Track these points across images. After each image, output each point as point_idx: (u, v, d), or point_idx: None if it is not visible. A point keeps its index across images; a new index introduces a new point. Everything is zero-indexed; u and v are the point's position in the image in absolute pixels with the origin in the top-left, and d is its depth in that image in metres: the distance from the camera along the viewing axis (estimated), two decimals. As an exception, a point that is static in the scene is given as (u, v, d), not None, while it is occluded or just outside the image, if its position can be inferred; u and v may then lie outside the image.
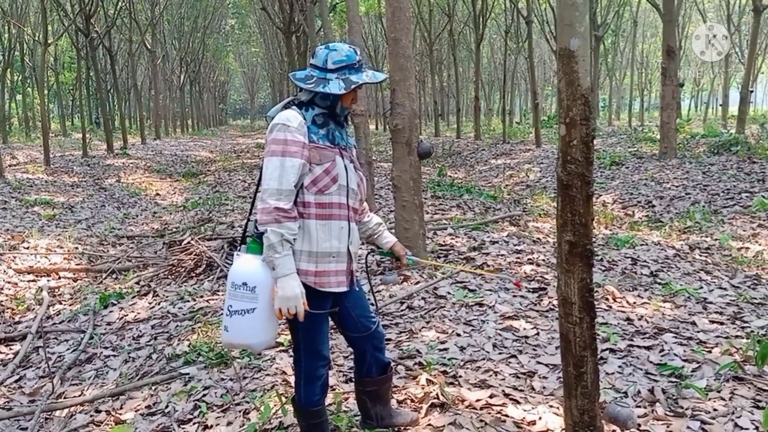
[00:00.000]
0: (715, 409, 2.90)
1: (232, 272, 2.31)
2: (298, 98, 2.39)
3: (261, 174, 2.31)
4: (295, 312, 2.25)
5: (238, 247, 2.42)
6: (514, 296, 4.60)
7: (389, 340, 3.88)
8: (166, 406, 3.35)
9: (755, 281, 5.23)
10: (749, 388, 3.11)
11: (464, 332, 3.91)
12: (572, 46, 2.17)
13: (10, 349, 4.78)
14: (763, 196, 8.37)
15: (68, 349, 4.64)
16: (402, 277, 5.12)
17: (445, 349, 3.65)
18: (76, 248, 7.60)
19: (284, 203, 2.23)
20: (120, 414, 3.42)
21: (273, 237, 2.21)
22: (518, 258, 5.64)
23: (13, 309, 5.64)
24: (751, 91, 16.33)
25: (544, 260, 5.58)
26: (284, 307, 2.24)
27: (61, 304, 5.75)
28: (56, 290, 6.14)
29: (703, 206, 8.57)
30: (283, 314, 2.25)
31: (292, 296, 2.24)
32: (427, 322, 4.13)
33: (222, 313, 2.38)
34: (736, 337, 3.81)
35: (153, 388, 3.63)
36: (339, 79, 2.34)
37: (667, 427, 2.75)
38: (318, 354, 2.46)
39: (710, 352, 3.57)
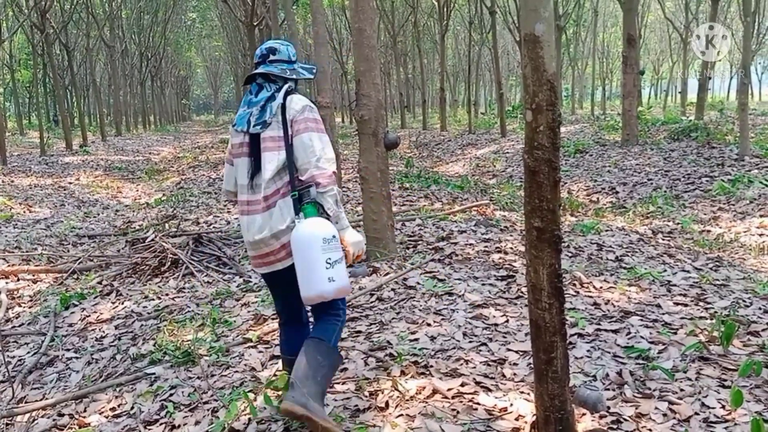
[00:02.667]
0: (682, 390, 2.94)
1: (313, 232, 2.50)
2: (291, 86, 2.76)
3: (292, 147, 2.62)
4: (360, 254, 2.66)
5: (297, 215, 2.59)
6: (483, 284, 4.61)
7: (359, 332, 3.85)
8: (132, 408, 3.27)
9: (717, 263, 5.34)
10: (714, 367, 3.16)
11: (434, 322, 3.91)
12: (537, 31, 2.16)
13: (-33, 354, 4.61)
14: (723, 180, 8.56)
15: (28, 352, 4.49)
16: (371, 269, 5.09)
17: (416, 340, 3.63)
18: (35, 249, 7.38)
19: (335, 169, 2.61)
20: (84, 417, 3.33)
21: (337, 196, 2.58)
22: (486, 246, 5.66)
23: (-31, 313, 5.45)
24: (709, 78, 16.67)
25: (512, 248, 5.61)
26: (357, 250, 2.64)
27: (20, 306, 5.57)
28: (15, 292, 5.95)
29: (665, 191, 8.73)
30: (353, 257, 2.62)
31: (361, 240, 2.68)
32: (397, 313, 4.12)
33: (317, 272, 2.50)
34: (701, 318, 3.87)
35: (118, 389, 3.54)
36: (299, 68, 2.83)
37: (636, 408, 2.78)
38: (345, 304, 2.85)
39: (675, 333, 3.62)
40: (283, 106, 2.66)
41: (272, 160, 2.64)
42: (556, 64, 2.26)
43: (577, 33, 30.62)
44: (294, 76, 2.77)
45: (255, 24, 17.15)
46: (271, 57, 2.77)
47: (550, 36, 2.18)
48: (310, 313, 2.94)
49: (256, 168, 2.69)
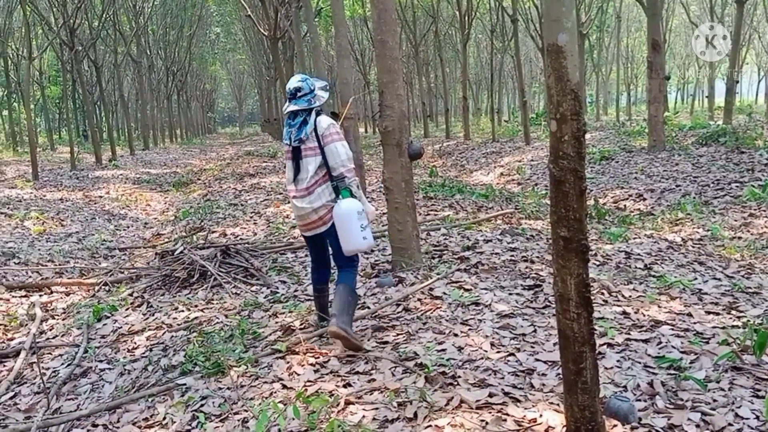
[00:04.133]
0: (715, 400, 2.90)
1: (351, 208, 3.73)
2: (319, 109, 3.91)
3: (324, 155, 3.81)
4: (373, 219, 4.12)
5: (337, 197, 3.83)
6: (510, 294, 4.59)
7: (386, 342, 3.87)
8: (164, 418, 3.32)
9: (749, 270, 5.25)
10: (748, 377, 3.11)
11: (461, 332, 3.90)
12: (560, 42, 2.16)
13: (4, 366, 4.72)
14: (753, 186, 8.41)
15: (62, 363, 4.59)
16: (397, 279, 5.10)
17: (443, 350, 3.63)
18: (68, 262, 7.54)
19: (353, 164, 3.87)
20: (117, 428, 3.39)
21: (357, 183, 3.83)
22: (512, 255, 5.64)
23: (5, 326, 5.58)
24: (737, 82, 16.43)
25: (538, 257, 5.58)
26: (372, 217, 3.96)
27: (53, 318, 5.69)
28: (48, 305, 6.09)
29: (694, 198, 8.61)
30: (370, 221, 3.89)
31: (374, 211, 4.15)
32: (424, 323, 4.12)
33: (355, 234, 3.75)
34: (733, 327, 3.81)
35: (150, 400, 3.59)
36: (319, 93, 3.92)
37: (668, 419, 2.74)
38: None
39: (707, 342, 3.57)
40: (315, 126, 3.84)
41: (311, 162, 3.84)
42: (579, 71, 2.26)
43: (600, 39, 30.40)
44: (317, 103, 3.88)
45: (278, 37, 17.37)
46: (299, 95, 3.86)
47: (573, 46, 2.18)
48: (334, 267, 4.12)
49: (297, 169, 3.91)
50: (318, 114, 3.87)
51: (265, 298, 5.24)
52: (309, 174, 3.83)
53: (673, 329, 3.81)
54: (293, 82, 3.88)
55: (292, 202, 4.01)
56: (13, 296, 6.32)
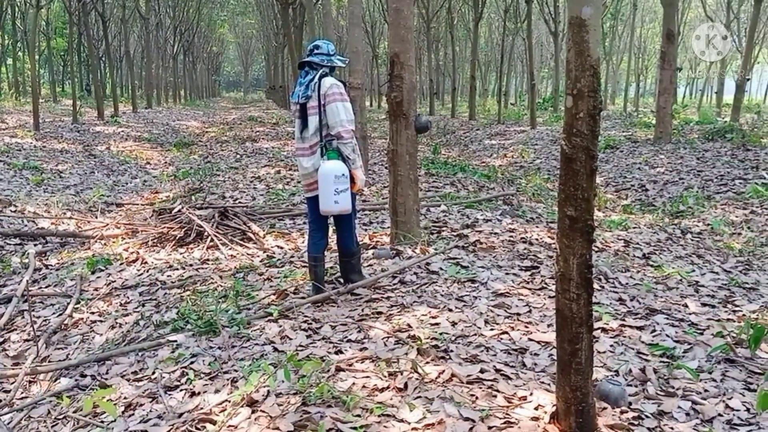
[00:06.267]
0: (706, 390, 2.89)
1: (330, 169, 3.83)
2: (324, 71, 3.99)
3: (322, 114, 3.92)
4: (361, 188, 4.08)
5: (322, 157, 3.93)
6: (507, 274, 4.57)
7: (380, 313, 3.85)
8: (153, 373, 3.31)
9: (747, 266, 5.23)
10: (741, 370, 3.11)
11: (456, 308, 3.89)
12: (584, 15, 2.10)
13: (-5, 312, 4.71)
14: (756, 183, 8.37)
15: (54, 313, 4.58)
16: (394, 252, 5.08)
17: (437, 324, 3.61)
18: (64, 213, 7.50)
19: (353, 127, 3.97)
20: (106, 379, 3.38)
21: (353, 145, 3.94)
22: (511, 236, 5.61)
23: (-2, 272, 5.56)
24: (748, 79, 16.29)
25: (537, 239, 5.56)
26: (361, 183, 4.01)
27: (47, 268, 5.67)
28: (43, 255, 6.06)
29: (697, 191, 8.57)
30: (359, 189, 4.06)
31: (363, 178, 4.09)
32: (419, 297, 4.10)
33: (328, 196, 3.85)
34: (728, 320, 3.80)
35: (140, 354, 3.59)
36: (335, 59, 4.07)
37: (659, 406, 2.74)
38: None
39: (702, 334, 3.56)
40: (319, 85, 3.93)
41: (313, 121, 3.96)
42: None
43: (614, 27, 30.05)
44: (329, 64, 4.03)
45: (289, 3, 17.13)
46: (315, 51, 4.03)
47: (597, 20, 2.12)
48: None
49: (303, 126, 4.02)
50: (324, 76, 3.98)
51: (260, 261, 5.21)
52: (310, 132, 3.98)
53: (668, 318, 3.80)
54: (314, 41, 4.16)
55: (298, 161, 4.17)
56: (7, 243, 6.30)
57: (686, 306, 4.07)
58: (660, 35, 12.40)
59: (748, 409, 2.71)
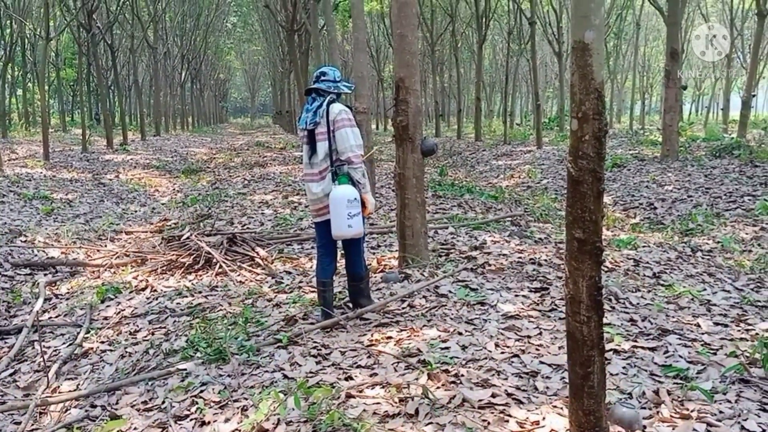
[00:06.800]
0: (721, 412, 2.85)
1: (343, 194, 3.88)
2: (332, 97, 4.06)
3: (333, 140, 3.98)
4: (372, 211, 4.12)
5: (334, 182, 3.99)
6: (516, 296, 4.55)
7: (390, 337, 3.83)
8: (163, 402, 3.30)
9: (759, 284, 5.18)
10: (755, 390, 3.06)
11: (466, 331, 3.86)
12: (587, 39, 2.12)
13: (5, 342, 4.72)
14: (766, 200, 8.32)
15: (64, 343, 4.58)
16: (403, 276, 5.07)
17: (447, 348, 3.59)
18: (74, 242, 7.54)
19: (362, 152, 4.04)
20: (116, 409, 3.37)
21: (363, 170, 4.00)
22: (520, 257, 5.59)
23: (9, 302, 5.59)
24: (754, 95, 16.29)
25: (546, 260, 5.53)
26: (372, 208, 4.08)
27: (57, 298, 5.69)
28: (53, 284, 6.09)
29: (706, 209, 8.53)
30: (370, 212, 4.09)
31: (374, 202, 4.18)
32: (429, 321, 4.09)
33: (342, 221, 3.90)
34: (741, 339, 3.76)
35: (150, 383, 3.58)
36: (341, 85, 4.13)
37: (673, 429, 2.70)
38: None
39: (715, 354, 3.52)
40: (327, 111, 4.00)
41: (323, 147, 4.02)
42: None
43: (617, 46, 30.20)
44: (336, 91, 4.10)
45: (295, 29, 17.35)
46: (322, 78, 4.10)
47: (599, 44, 2.14)
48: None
49: (312, 151, 4.08)
50: (332, 102, 4.04)
51: (269, 287, 5.21)
52: (319, 158, 4.03)
53: (680, 338, 3.76)
54: (321, 67, 4.21)
55: (306, 187, 4.22)
56: (17, 273, 6.33)
57: (698, 325, 4.03)
58: (664, 53, 12.42)
59: (764, 431, 2.67)
